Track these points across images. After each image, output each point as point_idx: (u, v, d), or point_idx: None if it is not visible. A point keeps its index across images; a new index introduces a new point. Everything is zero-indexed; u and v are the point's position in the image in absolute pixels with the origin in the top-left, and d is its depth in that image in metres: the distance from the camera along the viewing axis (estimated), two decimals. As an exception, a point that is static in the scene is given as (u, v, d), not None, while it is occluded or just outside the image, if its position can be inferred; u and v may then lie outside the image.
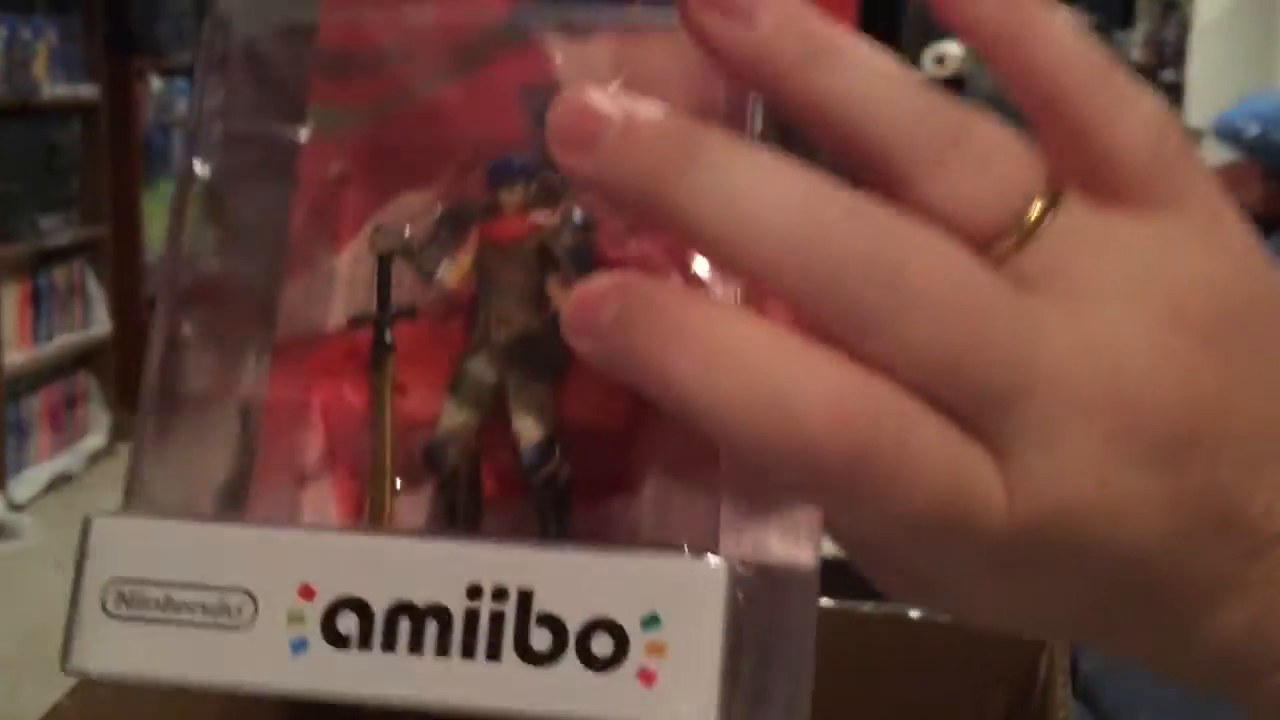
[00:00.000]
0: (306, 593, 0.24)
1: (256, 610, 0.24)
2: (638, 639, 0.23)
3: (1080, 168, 0.24)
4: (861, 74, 0.23)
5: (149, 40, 3.78)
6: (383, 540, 0.25)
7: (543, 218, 0.27)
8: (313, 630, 0.24)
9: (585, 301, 0.22)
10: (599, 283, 0.22)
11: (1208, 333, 0.23)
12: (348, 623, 0.24)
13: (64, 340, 3.46)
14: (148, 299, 3.78)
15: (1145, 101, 0.24)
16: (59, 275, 3.45)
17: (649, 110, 0.22)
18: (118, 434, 3.65)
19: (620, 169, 0.22)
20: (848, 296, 0.22)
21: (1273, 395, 0.24)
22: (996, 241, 0.23)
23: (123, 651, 0.25)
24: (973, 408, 0.22)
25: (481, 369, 0.27)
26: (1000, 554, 0.23)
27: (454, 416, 0.27)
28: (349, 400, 0.28)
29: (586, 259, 0.27)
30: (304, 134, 0.28)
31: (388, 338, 0.28)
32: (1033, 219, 0.23)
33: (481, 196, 0.28)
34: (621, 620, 0.23)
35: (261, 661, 0.24)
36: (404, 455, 0.27)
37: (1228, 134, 2.62)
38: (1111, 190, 0.24)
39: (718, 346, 0.22)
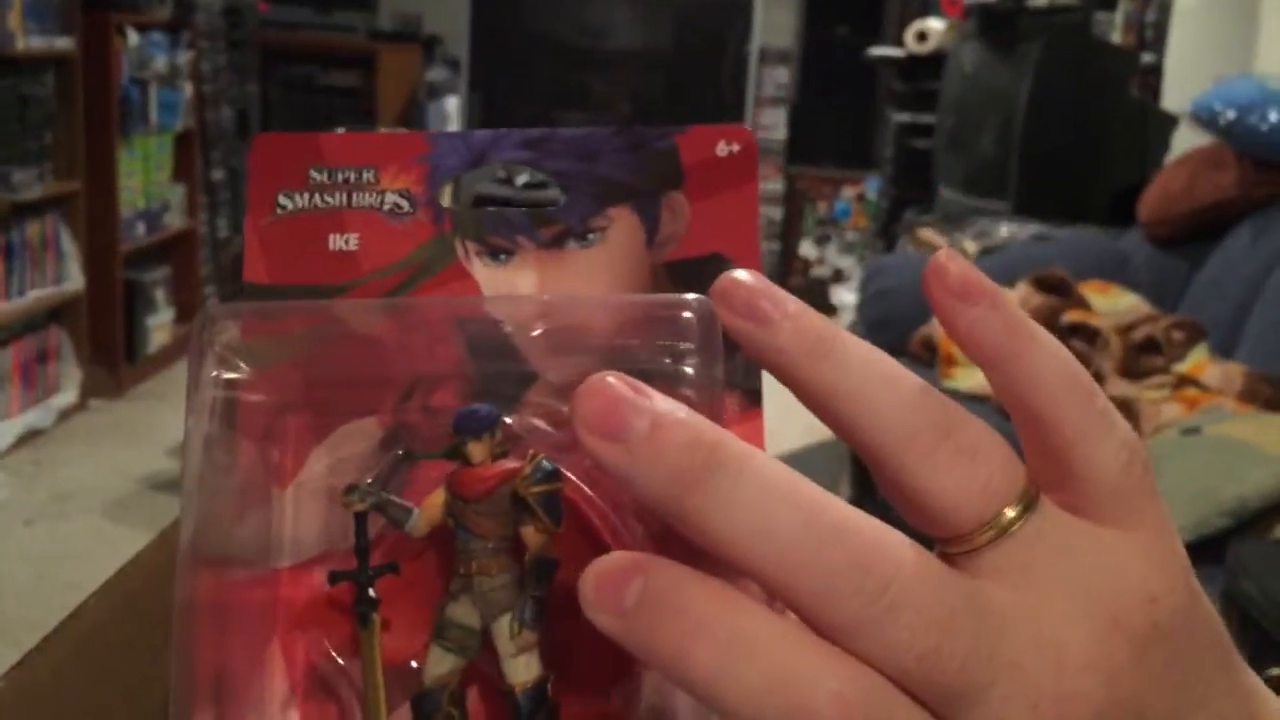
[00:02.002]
0: None
1: None
2: None
3: (1055, 477, 0.28)
4: (858, 369, 0.27)
5: (126, -6, 3.74)
6: None
7: (511, 466, 0.28)
8: None
9: (606, 579, 0.25)
10: (619, 561, 0.25)
11: (1138, 643, 0.27)
12: None
13: (36, 295, 3.44)
14: (121, 255, 3.76)
15: (1120, 427, 0.28)
16: (32, 229, 3.42)
17: (673, 412, 0.25)
18: (89, 390, 3.63)
19: (646, 469, 0.25)
20: (841, 604, 0.25)
21: (1180, 701, 0.27)
22: (974, 535, 0.26)
23: None
24: (943, 701, 0.25)
25: (464, 615, 0.28)
26: None
27: (440, 664, 0.28)
28: (323, 644, 0.29)
29: (556, 505, 0.28)
30: (240, 371, 0.29)
31: (372, 594, 0.28)
32: (1010, 518, 0.26)
33: (420, 425, 0.29)
34: None
35: None
36: (386, 691, 0.28)
37: (1204, 118, 2.64)
38: (1081, 502, 0.28)
39: (737, 639, 0.24)
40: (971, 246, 2.99)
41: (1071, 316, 2.43)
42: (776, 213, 5.57)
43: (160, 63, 3.95)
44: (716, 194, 0.31)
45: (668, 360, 0.28)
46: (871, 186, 5.02)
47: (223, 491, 0.28)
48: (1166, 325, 2.37)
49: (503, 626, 0.28)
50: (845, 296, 4.60)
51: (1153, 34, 3.69)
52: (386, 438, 0.29)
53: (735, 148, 0.31)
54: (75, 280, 3.58)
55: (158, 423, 3.53)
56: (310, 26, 5.21)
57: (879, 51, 4.45)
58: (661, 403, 0.25)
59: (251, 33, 5.07)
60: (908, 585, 0.25)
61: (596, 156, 0.31)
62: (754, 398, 0.29)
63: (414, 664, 0.28)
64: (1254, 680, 0.30)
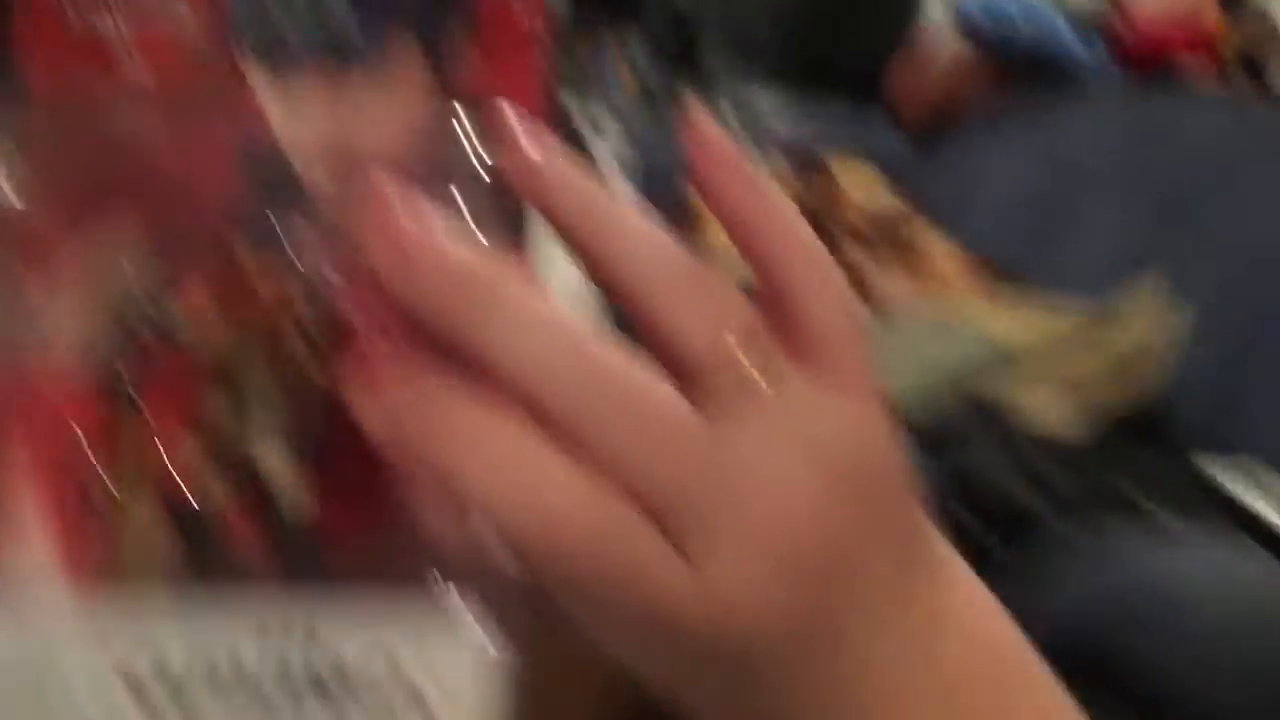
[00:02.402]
0: (122, 668, 0.26)
1: (75, 687, 0.25)
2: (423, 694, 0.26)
3: (784, 334, 0.30)
4: (619, 223, 0.29)
5: None
6: (192, 605, 0.26)
7: (283, 286, 0.29)
8: (128, 700, 0.26)
9: (379, 394, 0.27)
10: (392, 376, 0.27)
11: (853, 494, 0.30)
12: (160, 689, 0.26)
13: None
14: None
15: (840, 282, 0.31)
16: None
17: (453, 237, 0.27)
18: None
19: (425, 292, 0.27)
20: (591, 421, 0.28)
21: (881, 555, 0.30)
22: (714, 377, 0.29)
23: None
24: (678, 530, 0.28)
25: (229, 422, 0.29)
26: (694, 653, 0.29)
27: (194, 456, 0.28)
28: (80, 446, 0.28)
29: (329, 321, 0.29)
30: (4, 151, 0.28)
31: (134, 395, 0.29)
32: (748, 370, 0.29)
33: (194, 240, 0.29)
34: (411, 672, 0.27)
35: None
36: (137, 486, 0.28)
37: (964, 27, 2.74)
38: (804, 350, 0.30)
39: (492, 452, 0.27)
40: (730, 112, 3.03)
41: (812, 193, 2.51)
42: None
43: None
44: (507, 50, 0.31)
45: (441, 175, 0.29)
46: (637, 48, 4.98)
47: None
48: (901, 207, 2.48)
49: (268, 434, 0.29)
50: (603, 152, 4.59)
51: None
52: (157, 249, 0.29)
53: (532, 2, 0.32)
54: None
55: None
56: None
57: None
58: (442, 225, 0.27)
59: None
60: (647, 407, 0.28)
61: None
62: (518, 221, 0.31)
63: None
64: (946, 549, 0.33)
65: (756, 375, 0.29)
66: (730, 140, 0.31)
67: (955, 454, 1.56)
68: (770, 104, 3.12)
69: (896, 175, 2.74)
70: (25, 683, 0.25)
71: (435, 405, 0.27)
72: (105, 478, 0.28)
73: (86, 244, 0.29)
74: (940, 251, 2.38)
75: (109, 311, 0.28)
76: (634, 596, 0.28)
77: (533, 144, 0.29)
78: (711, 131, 0.31)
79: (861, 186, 2.61)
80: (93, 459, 0.28)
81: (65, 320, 0.29)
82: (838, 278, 0.31)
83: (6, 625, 0.25)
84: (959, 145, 2.76)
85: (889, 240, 2.43)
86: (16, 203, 0.28)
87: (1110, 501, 1.44)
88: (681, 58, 3.91)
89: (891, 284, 2.23)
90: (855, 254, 2.38)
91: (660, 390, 0.28)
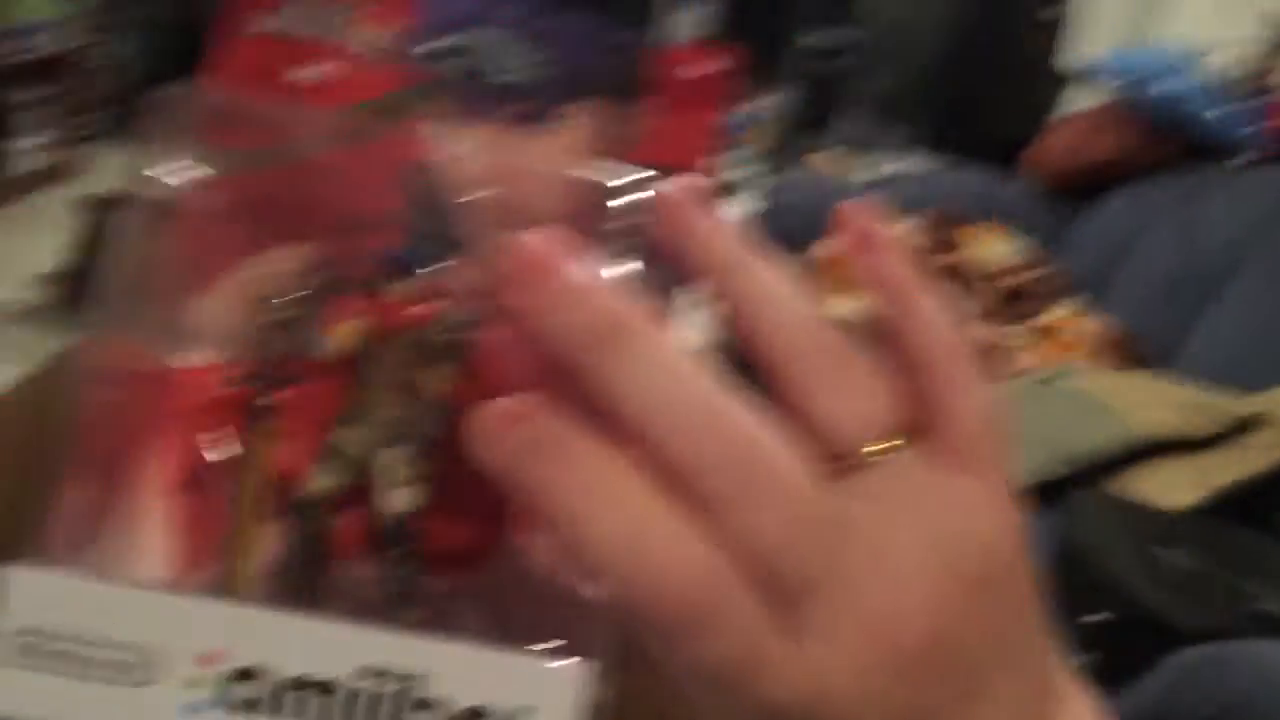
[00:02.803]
0: (206, 659, 0.25)
1: (156, 671, 0.25)
2: None
3: (924, 425, 0.30)
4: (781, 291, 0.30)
5: None
6: (285, 618, 0.26)
7: (426, 309, 0.29)
8: (208, 695, 0.25)
9: (497, 420, 0.27)
10: (511, 405, 0.27)
11: (969, 588, 0.29)
12: (242, 691, 0.25)
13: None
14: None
15: (983, 389, 0.31)
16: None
17: (593, 277, 0.27)
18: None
19: (559, 325, 0.27)
20: (712, 480, 0.27)
21: (991, 651, 0.30)
22: (846, 457, 0.29)
23: (22, 697, 0.25)
24: (781, 597, 0.27)
25: (354, 441, 0.29)
26: (765, 713, 0.28)
27: (321, 481, 0.28)
28: (208, 442, 0.29)
29: (460, 353, 0.29)
30: (185, 171, 0.29)
31: (269, 399, 0.29)
32: (880, 449, 0.29)
33: (354, 266, 0.30)
34: (495, 710, 0.26)
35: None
36: (263, 497, 0.29)
37: (1103, 78, 2.70)
38: (942, 450, 0.30)
39: (606, 494, 0.27)
40: (863, 176, 3.03)
41: (948, 259, 2.49)
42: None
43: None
44: (682, 110, 0.33)
45: (595, 243, 0.29)
46: (770, 103, 5.00)
47: (144, 280, 0.29)
48: (1037, 276, 2.45)
49: (386, 458, 0.29)
50: (731, 210, 4.61)
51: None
52: (315, 267, 0.30)
53: (712, 68, 0.33)
54: (-57, 92, 3.39)
55: (22, 251, 3.40)
56: None
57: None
58: (583, 265, 0.27)
59: None
60: (775, 478, 0.27)
61: (581, 49, 0.33)
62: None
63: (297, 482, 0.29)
64: (1068, 679, 0.32)
65: (890, 459, 0.29)
66: (884, 227, 0.31)
67: (1064, 521, 1.55)
68: (908, 168, 3.11)
69: (1036, 243, 2.70)
70: (121, 663, 0.25)
71: (554, 438, 0.27)
72: (233, 479, 0.29)
73: (248, 251, 0.30)
74: (1076, 323, 2.34)
75: (260, 318, 0.29)
76: (728, 659, 0.27)
77: (699, 211, 0.29)
78: (869, 218, 0.31)
79: (999, 254, 2.58)
80: (222, 458, 0.29)
81: (218, 321, 0.30)
82: (982, 381, 0.31)
83: (113, 608, 0.25)
84: (1101, 214, 2.71)
85: (1024, 309, 2.40)
86: (193, 204, 0.29)
87: (1231, 594, 1.39)
88: (816, 120, 3.93)
89: (1025, 354, 2.20)
90: (989, 322, 2.36)
91: (787, 455, 0.28)
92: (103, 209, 2.83)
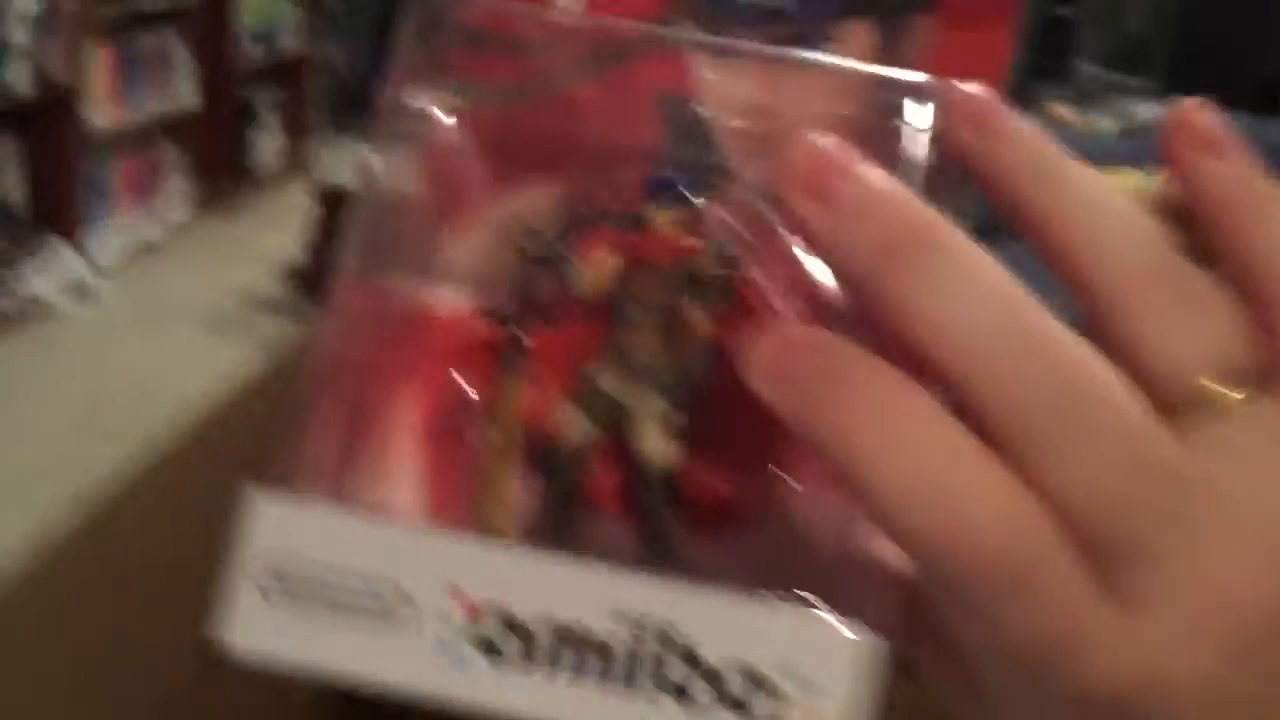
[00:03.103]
0: (466, 603, 0.25)
1: (416, 613, 0.25)
2: (780, 690, 0.24)
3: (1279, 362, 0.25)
4: (1089, 198, 0.25)
5: None
6: (542, 560, 0.25)
7: (691, 243, 0.27)
8: (463, 634, 0.25)
9: (780, 348, 0.23)
10: (797, 332, 0.24)
11: None
12: (502, 637, 0.25)
13: (151, 109, 3.46)
14: (236, 74, 3.76)
15: None
16: (149, 43, 3.43)
17: (887, 183, 0.24)
18: (197, 206, 3.68)
19: (853, 236, 0.23)
20: (1034, 419, 0.23)
21: None
22: (1190, 402, 0.24)
23: (274, 634, 0.25)
24: (1111, 556, 0.23)
25: (611, 385, 0.27)
26: (1078, 700, 0.24)
27: (575, 428, 0.27)
28: (460, 386, 0.28)
29: (730, 290, 0.27)
30: (441, 104, 0.28)
31: (523, 339, 0.27)
32: (1233, 395, 0.24)
33: (608, 198, 0.28)
34: (766, 670, 0.24)
35: (417, 664, 0.25)
36: (516, 444, 0.28)
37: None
38: None
39: (906, 430, 0.23)
40: (1111, 126, 2.86)
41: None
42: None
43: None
44: (968, 26, 0.29)
45: (888, 157, 0.26)
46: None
47: (391, 223, 0.28)
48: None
49: (649, 404, 0.27)
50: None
51: None
52: (567, 201, 0.28)
53: None
54: (189, 96, 3.60)
55: (262, 242, 3.57)
56: None
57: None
58: (877, 172, 0.24)
59: None
60: (1111, 417, 0.23)
61: None
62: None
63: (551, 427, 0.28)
64: None
65: (1245, 408, 0.24)
66: (1230, 135, 0.26)
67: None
68: (1157, 114, 2.92)
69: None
70: (371, 599, 0.25)
71: (844, 366, 0.23)
72: (483, 423, 0.27)
73: (504, 187, 0.29)
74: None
75: (513, 255, 0.28)
76: (1045, 632, 0.23)
77: (1004, 113, 0.25)
78: (1211, 121, 0.26)
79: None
80: (474, 401, 0.28)
81: (469, 259, 0.28)
82: None
83: (364, 543, 0.25)
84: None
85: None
86: (449, 142, 0.28)
87: None
88: (1055, 65, 3.74)
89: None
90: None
91: (1125, 393, 0.23)
92: (339, 202, 2.95)
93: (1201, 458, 0.24)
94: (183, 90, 3.58)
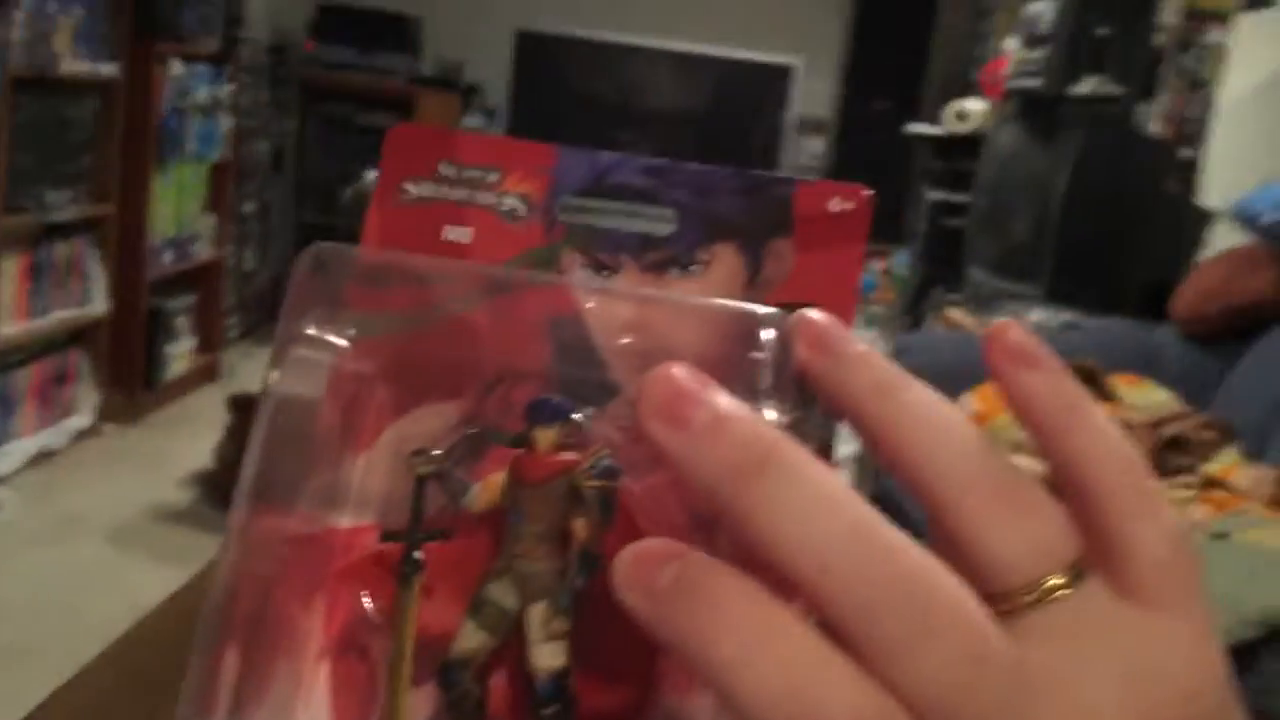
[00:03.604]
0: None
1: None
2: None
3: (1100, 554, 0.27)
4: (924, 412, 0.27)
5: (173, 25, 3.77)
6: None
7: (572, 458, 0.28)
8: None
9: (642, 562, 0.25)
10: (657, 546, 0.25)
11: None
12: None
13: (59, 316, 3.44)
14: (147, 282, 3.77)
15: (1167, 512, 0.28)
16: (60, 251, 3.43)
17: (736, 409, 0.25)
18: (105, 414, 3.62)
19: (703, 457, 0.25)
20: (876, 621, 0.24)
21: None
22: (1020, 594, 0.26)
23: None
24: None
25: (502, 596, 0.28)
26: None
27: (470, 639, 0.28)
28: (363, 603, 0.29)
29: (610, 502, 0.28)
30: (340, 336, 0.30)
31: (418, 556, 0.29)
32: (1058, 584, 0.26)
33: (498, 416, 0.30)
34: None
35: None
36: (415, 659, 0.29)
37: (1244, 218, 2.62)
38: (1125, 582, 0.27)
39: (761, 639, 0.24)
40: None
41: (1105, 410, 2.39)
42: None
43: (202, 94, 3.98)
44: (822, 248, 0.32)
45: (744, 381, 0.28)
46: (900, 261, 5.01)
47: (294, 445, 0.29)
48: (1197, 424, 2.33)
49: (537, 612, 0.28)
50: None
51: (1193, 128, 3.69)
52: (462, 422, 0.30)
53: (849, 206, 0.32)
54: (99, 304, 3.58)
55: (171, 451, 3.51)
56: (353, 67, 5.26)
57: (918, 128, 4.46)
58: (725, 398, 0.25)
59: (294, 70, 5.12)
60: (948, 616, 0.24)
61: (712, 193, 0.32)
62: (826, 452, 0.29)
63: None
64: None
65: (1072, 594, 0.26)
66: (1038, 341, 0.28)
67: (1256, 688, 1.42)
68: (1048, 319, 3.04)
69: (1190, 390, 2.59)
70: None
71: (702, 579, 0.25)
72: (385, 639, 0.28)
73: (398, 410, 0.30)
74: (1240, 472, 2.21)
75: (409, 475, 0.29)
76: None
77: (846, 337, 0.28)
78: (1019, 332, 0.28)
79: (1156, 402, 2.48)
80: (375, 618, 0.29)
81: (370, 480, 0.30)
82: (1165, 499, 0.28)
83: None
84: (1256, 353, 2.59)
85: (1184, 460, 2.28)
86: (348, 368, 0.29)
87: None
88: (946, 274, 3.89)
89: (1194, 507, 2.07)
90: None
91: (960, 592, 0.25)
92: (250, 407, 2.93)
93: (1034, 646, 0.25)
94: (92, 297, 3.57)
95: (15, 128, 3.12)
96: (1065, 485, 0.28)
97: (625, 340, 0.29)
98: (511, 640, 0.28)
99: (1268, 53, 3.18)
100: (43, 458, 3.34)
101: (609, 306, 0.30)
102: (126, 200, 3.64)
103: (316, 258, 0.29)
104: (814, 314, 0.28)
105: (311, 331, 0.29)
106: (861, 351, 0.27)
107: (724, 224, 0.32)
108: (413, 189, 0.32)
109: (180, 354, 4.07)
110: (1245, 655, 1.54)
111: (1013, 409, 0.28)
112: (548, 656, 0.28)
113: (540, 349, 0.30)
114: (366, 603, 0.29)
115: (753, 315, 0.28)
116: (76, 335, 3.55)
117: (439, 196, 0.32)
